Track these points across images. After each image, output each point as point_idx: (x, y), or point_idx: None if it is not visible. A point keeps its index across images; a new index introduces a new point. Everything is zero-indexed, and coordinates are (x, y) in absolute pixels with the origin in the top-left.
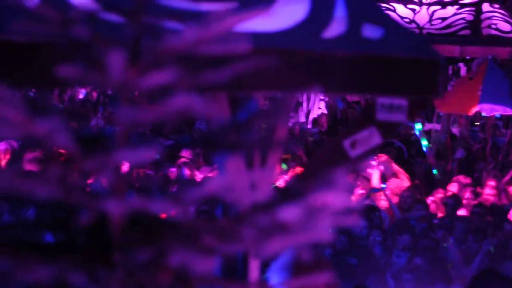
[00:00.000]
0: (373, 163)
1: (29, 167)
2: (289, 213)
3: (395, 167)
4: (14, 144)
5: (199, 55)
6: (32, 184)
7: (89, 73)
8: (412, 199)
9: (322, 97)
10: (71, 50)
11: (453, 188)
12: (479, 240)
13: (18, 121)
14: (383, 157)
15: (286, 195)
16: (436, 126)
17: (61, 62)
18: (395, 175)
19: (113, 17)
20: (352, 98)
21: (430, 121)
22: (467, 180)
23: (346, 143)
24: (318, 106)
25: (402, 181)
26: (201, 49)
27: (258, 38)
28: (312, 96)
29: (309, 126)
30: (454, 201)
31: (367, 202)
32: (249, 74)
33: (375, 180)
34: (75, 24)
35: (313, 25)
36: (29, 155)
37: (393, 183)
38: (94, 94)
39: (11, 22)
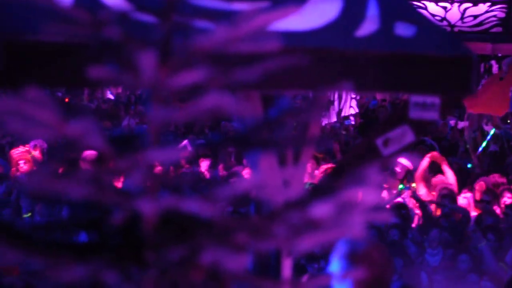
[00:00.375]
0: (405, 162)
1: (62, 167)
2: (321, 210)
3: (445, 165)
4: (44, 143)
5: (230, 54)
6: (65, 184)
7: (121, 73)
8: (450, 197)
9: (353, 96)
10: (102, 51)
11: (484, 186)
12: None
13: (51, 122)
14: (435, 153)
15: (318, 192)
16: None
17: (93, 63)
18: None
19: (144, 17)
20: (380, 96)
21: (462, 119)
22: (503, 179)
23: (379, 141)
24: (349, 105)
25: (448, 179)
26: (232, 48)
27: (290, 37)
28: (344, 95)
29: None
30: (491, 199)
31: (397, 199)
32: (281, 72)
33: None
34: (106, 25)
35: (346, 24)
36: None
37: (438, 179)
38: (125, 95)
39: (43, 24)
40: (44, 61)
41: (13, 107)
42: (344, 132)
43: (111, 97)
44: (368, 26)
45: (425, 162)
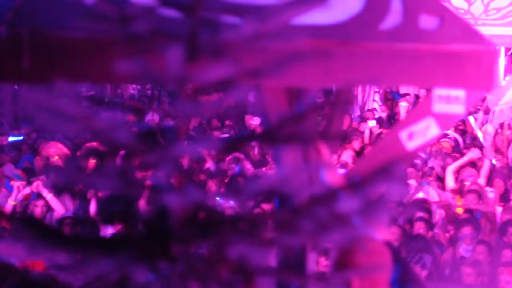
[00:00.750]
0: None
1: (90, 161)
2: (348, 204)
3: (482, 162)
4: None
5: (257, 49)
6: (93, 178)
7: (148, 68)
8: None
9: (376, 90)
10: (130, 46)
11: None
12: None
13: (80, 116)
14: (477, 151)
15: (344, 187)
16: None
17: (121, 59)
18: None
19: (171, 12)
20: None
21: (486, 112)
22: None
23: (403, 134)
24: (373, 99)
25: (480, 175)
26: (259, 42)
27: (315, 31)
28: (367, 89)
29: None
30: None
31: (421, 195)
32: (306, 66)
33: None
34: (134, 20)
35: (370, 17)
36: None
37: (467, 173)
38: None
39: (71, 19)
40: (71, 57)
41: (43, 101)
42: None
43: (133, 92)
44: (392, 19)
45: (466, 158)
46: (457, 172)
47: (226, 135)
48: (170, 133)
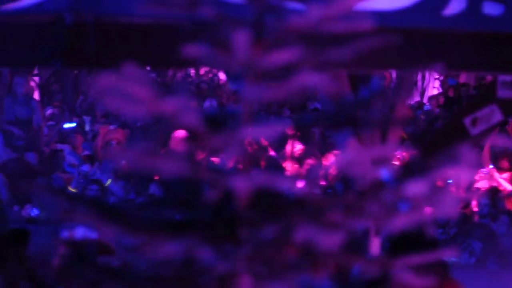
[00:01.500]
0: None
1: (157, 145)
2: (415, 189)
3: None
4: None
5: (322, 34)
6: (160, 162)
7: (214, 53)
8: None
9: (436, 76)
10: (196, 31)
11: None
12: None
13: (148, 99)
14: None
15: (410, 171)
16: None
17: (187, 43)
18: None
19: None
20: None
21: None
22: None
23: (467, 120)
24: (433, 85)
25: None
26: (324, 27)
27: (379, 16)
28: (427, 75)
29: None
30: None
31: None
32: (370, 52)
33: None
34: (200, 6)
35: (434, 3)
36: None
37: None
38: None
39: (138, 5)
40: (140, 42)
41: (111, 84)
42: (423, 117)
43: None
44: (456, 5)
45: None
46: None
47: (290, 119)
48: (236, 117)
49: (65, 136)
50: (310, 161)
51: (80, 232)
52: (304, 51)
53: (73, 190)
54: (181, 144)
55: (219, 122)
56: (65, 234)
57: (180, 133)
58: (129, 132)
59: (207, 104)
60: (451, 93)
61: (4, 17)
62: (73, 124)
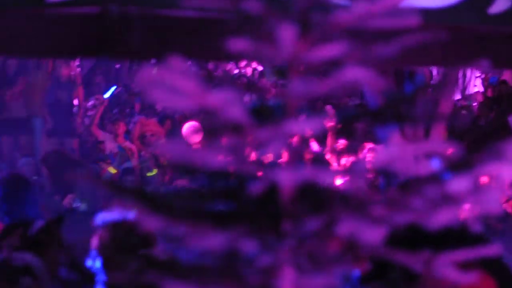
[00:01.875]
0: None
1: (201, 137)
2: (459, 184)
3: None
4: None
5: (368, 29)
6: (205, 154)
7: (260, 46)
8: None
9: (478, 75)
10: (242, 25)
11: None
12: None
13: (193, 92)
14: None
15: (454, 166)
16: None
17: (233, 37)
18: None
19: None
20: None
21: None
22: None
23: (511, 118)
24: (474, 84)
25: None
26: (370, 23)
27: (425, 13)
28: (468, 73)
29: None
30: None
31: None
32: (416, 48)
33: None
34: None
35: (480, 1)
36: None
37: None
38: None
39: None
40: (182, 35)
41: (157, 76)
42: (465, 113)
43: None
44: (502, 3)
45: None
46: None
47: (335, 114)
48: (283, 110)
49: (106, 124)
50: (353, 156)
51: (115, 217)
52: (350, 46)
53: (114, 171)
54: (194, 135)
55: (264, 115)
56: (102, 219)
57: (192, 123)
58: (170, 124)
59: (247, 97)
60: (491, 91)
61: (49, 8)
62: (113, 88)
